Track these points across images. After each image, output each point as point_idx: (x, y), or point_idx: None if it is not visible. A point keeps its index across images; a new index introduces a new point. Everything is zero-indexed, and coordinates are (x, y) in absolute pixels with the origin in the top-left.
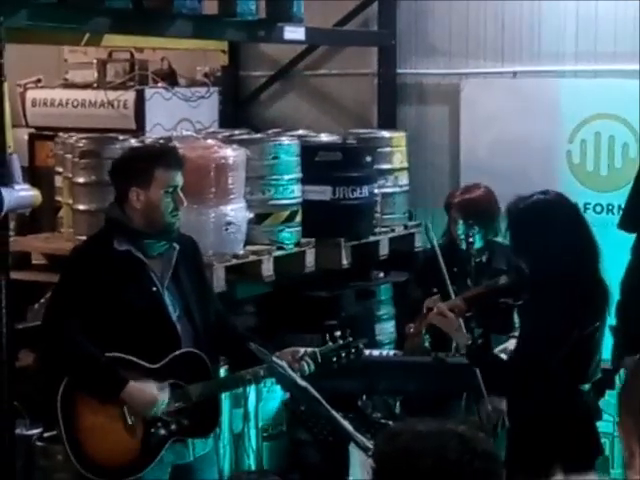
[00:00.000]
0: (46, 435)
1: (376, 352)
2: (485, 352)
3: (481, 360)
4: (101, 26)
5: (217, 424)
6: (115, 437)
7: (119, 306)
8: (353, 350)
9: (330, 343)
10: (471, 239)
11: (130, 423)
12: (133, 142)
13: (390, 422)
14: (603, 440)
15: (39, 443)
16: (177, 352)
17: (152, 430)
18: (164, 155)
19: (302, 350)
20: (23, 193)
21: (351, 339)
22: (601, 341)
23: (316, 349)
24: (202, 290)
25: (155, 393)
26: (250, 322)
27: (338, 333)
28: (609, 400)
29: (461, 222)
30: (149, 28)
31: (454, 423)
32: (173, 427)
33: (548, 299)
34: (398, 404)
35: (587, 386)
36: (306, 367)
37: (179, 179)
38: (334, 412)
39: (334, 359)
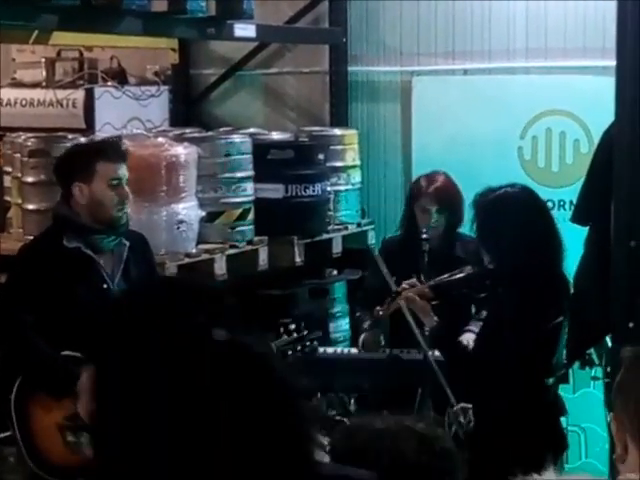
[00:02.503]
0: None
1: (330, 349)
2: (450, 338)
3: (445, 345)
4: (49, 23)
5: None
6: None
7: (69, 304)
8: (308, 343)
9: (285, 337)
10: (425, 234)
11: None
12: (82, 141)
13: (345, 419)
14: None
15: None
16: None
17: None
18: (105, 148)
19: None
20: None
21: (306, 332)
22: (563, 335)
23: (271, 343)
24: None
25: None
26: None
27: (293, 326)
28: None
29: (435, 211)
30: (98, 25)
31: (413, 420)
32: None
33: (512, 291)
34: (353, 401)
35: (551, 380)
36: None
37: (122, 172)
38: None
39: (289, 352)
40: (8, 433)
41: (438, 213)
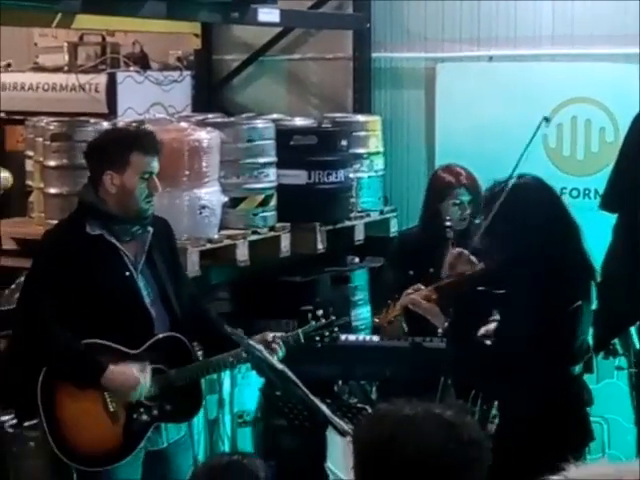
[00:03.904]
0: (24, 423)
1: (352, 337)
2: (465, 335)
3: (461, 343)
4: (72, 6)
5: (200, 407)
6: (97, 424)
7: (92, 291)
8: (336, 329)
9: (313, 322)
10: (448, 222)
11: (112, 410)
12: (105, 125)
13: (367, 407)
14: None
15: (11, 429)
16: (159, 336)
17: (134, 416)
18: (142, 140)
19: (271, 334)
20: None
21: (334, 318)
22: (587, 321)
23: (299, 330)
24: (176, 274)
25: (136, 375)
26: (224, 307)
27: (320, 312)
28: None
29: (468, 202)
30: (121, 8)
31: (441, 407)
32: (155, 412)
33: (525, 282)
34: (375, 389)
35: (578, 368)
36: (280, 351)
37: (155, 165)
38: (312, 395)
39: (317, 338)
40: (32, 422)
41: (470, 204)
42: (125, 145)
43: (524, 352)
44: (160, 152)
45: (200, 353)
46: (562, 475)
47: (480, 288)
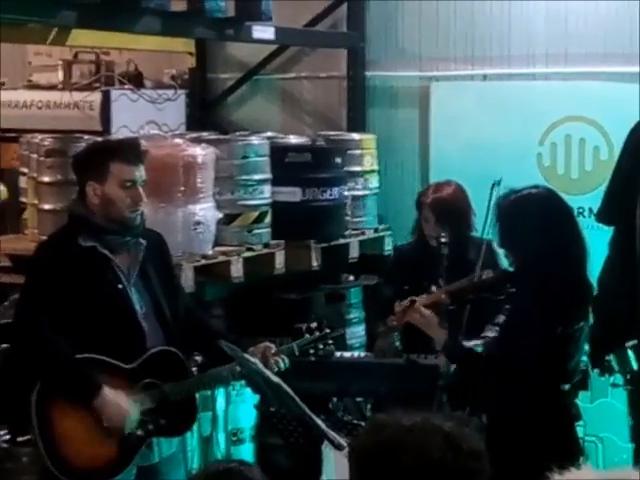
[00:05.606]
0: (17, 438)
1: (347, 354)
2: (463, 349)
3: (459, 357)
4: (68, 20)
5: (194, 421)
6: (91, 439)
7: (85, 304)
8: (330, 342)
9: (307, 335)
10: (443, 238)
11: (106, 424)
12: (101, 139)
13: (362, 424)
14: None
15: (4, 445)
16: (153, 350)
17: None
18: (121, 149)
19: (274, 346)
20: None
21: (328, 331)
22: (583, 341)
23: (293, 343)
24: (171, 286)
25: (126, 407)
26: (218, 324)
27: (314, 325)
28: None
29: (433, 221)
30: (116, 23)
31: (440, 418)
32: (150, 427)
33: (534, 293)
34: (369, 406)
35: (567, 387)
36: (281, 363)
37: (138, 174)
38: (307, 409)
39: (311, 351)
40: (26, 437)
41: (437, 224)
42: (105, 154)
43: (519, 364)
44: (143, 161)
45: (195, 369)
46: None
47: (485, 295)
